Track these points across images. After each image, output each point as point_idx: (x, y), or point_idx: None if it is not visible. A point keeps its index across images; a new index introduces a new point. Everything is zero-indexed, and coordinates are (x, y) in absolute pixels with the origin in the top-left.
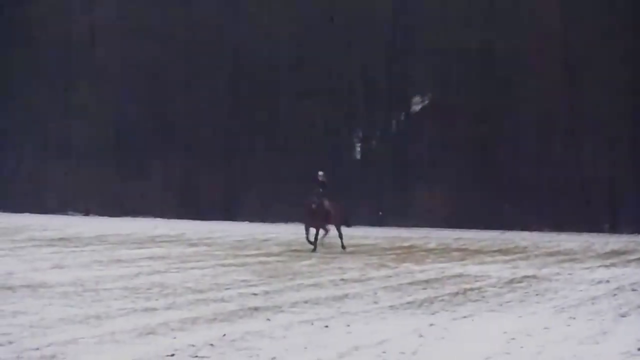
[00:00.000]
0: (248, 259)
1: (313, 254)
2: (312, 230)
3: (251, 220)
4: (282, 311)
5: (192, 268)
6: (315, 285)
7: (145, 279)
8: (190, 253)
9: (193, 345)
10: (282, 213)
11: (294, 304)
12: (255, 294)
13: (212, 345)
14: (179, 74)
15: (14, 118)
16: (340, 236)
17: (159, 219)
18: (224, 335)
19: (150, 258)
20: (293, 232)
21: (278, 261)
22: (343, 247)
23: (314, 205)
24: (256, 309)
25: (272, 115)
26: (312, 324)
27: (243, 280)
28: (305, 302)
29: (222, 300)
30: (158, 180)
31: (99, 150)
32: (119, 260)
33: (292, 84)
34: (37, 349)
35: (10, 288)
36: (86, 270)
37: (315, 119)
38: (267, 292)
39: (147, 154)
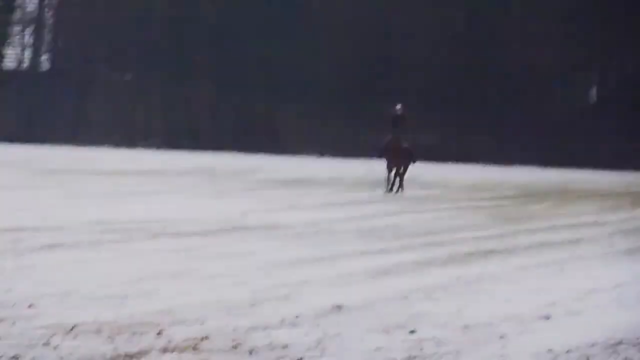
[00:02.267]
0: (482, 202)
1: (546, 197)
2: (394, 170)
3: (485, 163)
4: (516, 254)
5: (426, 210)
6: (549, 228)
7: (379, 220)
8: (425, 196)
9: (427, 287)
10: (514, 156)
11: (529, 247)
12: (489, 237)
13: (446, 287)
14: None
15: (248, 61)
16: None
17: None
18: (459, 277)
19: (385, 200)
20: (528, 175)
21: (512, 204)
22: (397, 190)
23: (405, 144)
24: (490, 251)
25: (502, 59)
26: (547, 267)
27: (477, 223)
28: (540, 245)
29: (456, 242)
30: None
31: (333, 92)
32: (353, 202)
33: (524, 28)
34: (272, 288)
35: (245, 229)
36: (320, 212)
37: (548, 64)
38: (501, 235)
39: (382, 97)
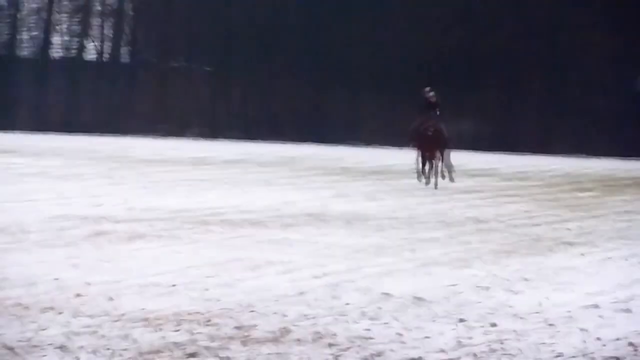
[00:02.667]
0: (561, 194)
1: (627, 189)
2: (427, 161)
3: (566, 155)
4: (596, 247)
5: (506, 202)
6: (629, 221)
7: (459, 212)
8: (504, 187)
9: (507, 279)
10: (595, 148)
11: (609, 240)
12: (569, 229)
13: (526, 279)
14: (491, 10)
15: (328, 51)
16: (449, 164)
17: (472, 152)
18: (538, 269)
19: (465, 192)
20: (608, 167)
21: (591, 196)
22: (452, 178)
23: (429, 132)
24: (570, 244)
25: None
26: (626, 259)
27: (556, 215)
28: (620, 238)
29: (536, 234)
30: (472, 114)
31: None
32: (433, 193)
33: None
34: (353, 281)
35: (325, 219)
36: (400, 201)
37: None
38: (581, 228)
39: (462, 87)
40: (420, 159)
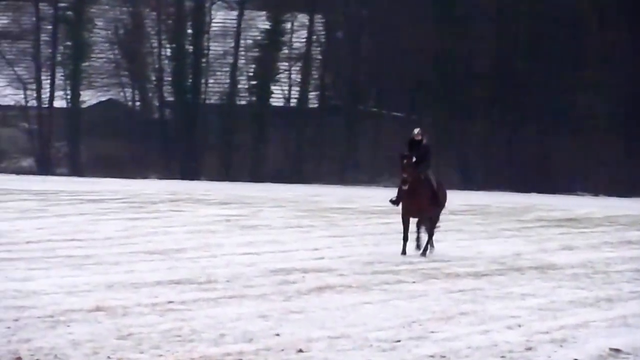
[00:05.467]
0: None
1: None
2: (411, 221)
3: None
4: None
5: None
6: None
7: None
8: None
9: None
10: None
11: None
12: None
13: None
14: None
15: (520, 98)
16: (431, 232)
17: None
18: None
19: None
20: None
21: None
22: (424, 251)
23: (404, 186)
24: None
25: None
26: None
27: None
28: None
29: None
30: None
31: (608, 129)
32: (629, 242)
33: None
34: (547, 332)
35: (518, 269)
36: (596, 252)
37: None
38: None
39: None
40: (405, 220)
